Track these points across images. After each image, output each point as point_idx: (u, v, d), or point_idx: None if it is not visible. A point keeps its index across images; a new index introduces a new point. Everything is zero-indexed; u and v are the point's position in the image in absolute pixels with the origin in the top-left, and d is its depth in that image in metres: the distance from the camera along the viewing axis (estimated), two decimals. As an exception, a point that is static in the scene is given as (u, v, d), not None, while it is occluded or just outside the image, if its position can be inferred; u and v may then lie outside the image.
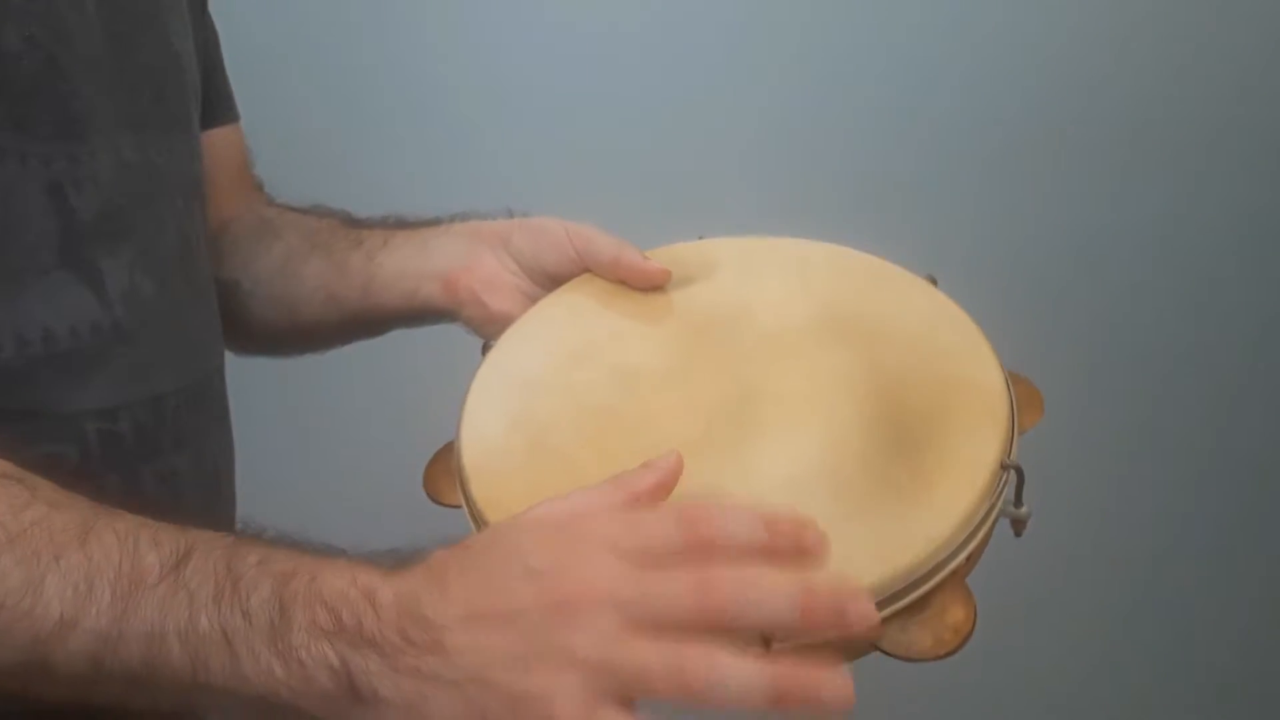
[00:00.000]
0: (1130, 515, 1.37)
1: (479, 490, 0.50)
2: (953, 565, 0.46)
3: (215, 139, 0.74)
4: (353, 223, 0.75)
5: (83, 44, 0.55)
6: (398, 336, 0.74)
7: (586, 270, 0.64)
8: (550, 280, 0.65)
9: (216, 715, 0.43)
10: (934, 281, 0.61)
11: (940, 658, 0.44)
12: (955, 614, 0.45)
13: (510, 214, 0.68)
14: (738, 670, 0.38)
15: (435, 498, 0.54)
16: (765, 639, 0.42)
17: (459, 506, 0.52)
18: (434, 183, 1.13)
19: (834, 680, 0.38)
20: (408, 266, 0.69)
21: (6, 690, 0.43)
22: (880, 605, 0.44)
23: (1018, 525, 0.51)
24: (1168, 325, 1.33)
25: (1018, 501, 0.50)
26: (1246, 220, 1.29)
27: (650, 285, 0.62)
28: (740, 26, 1.22)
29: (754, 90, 1.23)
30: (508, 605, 0.40)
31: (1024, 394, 0.54)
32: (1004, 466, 0.49)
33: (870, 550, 0.45)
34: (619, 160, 1.23)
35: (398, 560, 0.43)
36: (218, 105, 0.76)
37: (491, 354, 0.58)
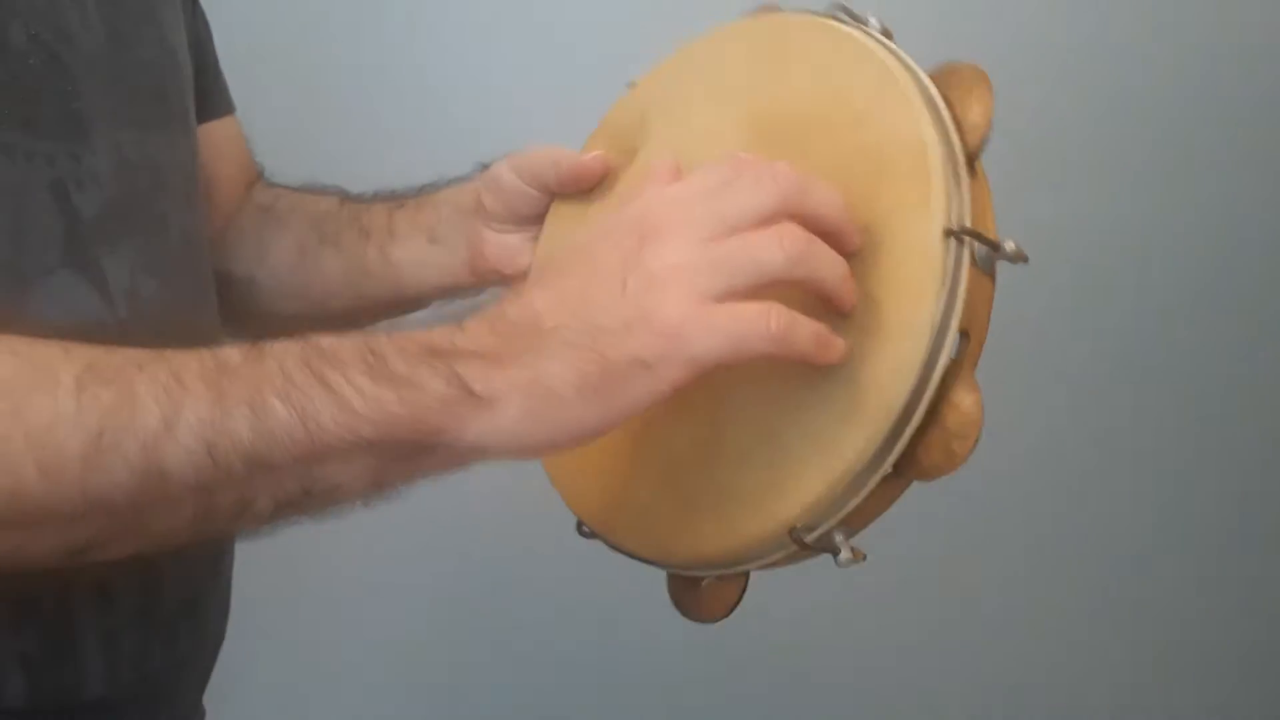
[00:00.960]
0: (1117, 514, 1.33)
1: None
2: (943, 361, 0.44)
3: (212, 132, 0.74)
4: (350, 202, 0.75)
5: (84, 42, 0.56)
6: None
7: (554, 196, 0.64)
8: (537, 219, 0.65)
9: (340, 484, 0.43)
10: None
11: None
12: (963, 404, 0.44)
13: (483, 167, 0.68)
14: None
15: None
16: None
17: None
18: (432, 175, 1.13)
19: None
20: (426, 259, 0.69)
21: (139, 534, 0.43)
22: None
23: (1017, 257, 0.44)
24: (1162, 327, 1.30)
25: (995, 247, 0.44)
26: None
27: (593, 176, 0.62)
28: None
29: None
30: (587, 267, 0.43)
31: (961, 79, 0.48)
32: (949, 234, 0.44)
33: (848, 405, 0.45)
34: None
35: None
36: (212, 98, 0.75)
37: None
